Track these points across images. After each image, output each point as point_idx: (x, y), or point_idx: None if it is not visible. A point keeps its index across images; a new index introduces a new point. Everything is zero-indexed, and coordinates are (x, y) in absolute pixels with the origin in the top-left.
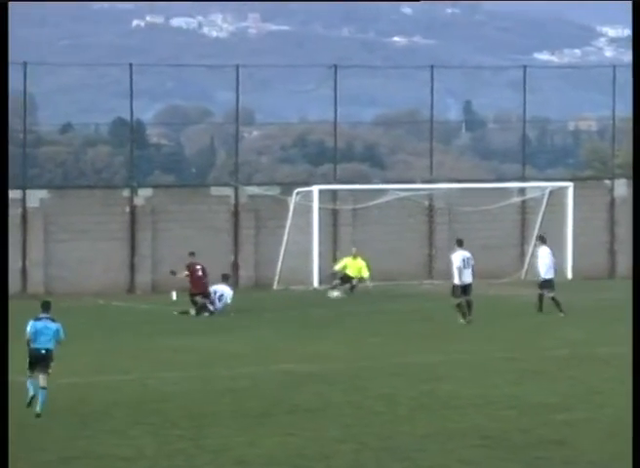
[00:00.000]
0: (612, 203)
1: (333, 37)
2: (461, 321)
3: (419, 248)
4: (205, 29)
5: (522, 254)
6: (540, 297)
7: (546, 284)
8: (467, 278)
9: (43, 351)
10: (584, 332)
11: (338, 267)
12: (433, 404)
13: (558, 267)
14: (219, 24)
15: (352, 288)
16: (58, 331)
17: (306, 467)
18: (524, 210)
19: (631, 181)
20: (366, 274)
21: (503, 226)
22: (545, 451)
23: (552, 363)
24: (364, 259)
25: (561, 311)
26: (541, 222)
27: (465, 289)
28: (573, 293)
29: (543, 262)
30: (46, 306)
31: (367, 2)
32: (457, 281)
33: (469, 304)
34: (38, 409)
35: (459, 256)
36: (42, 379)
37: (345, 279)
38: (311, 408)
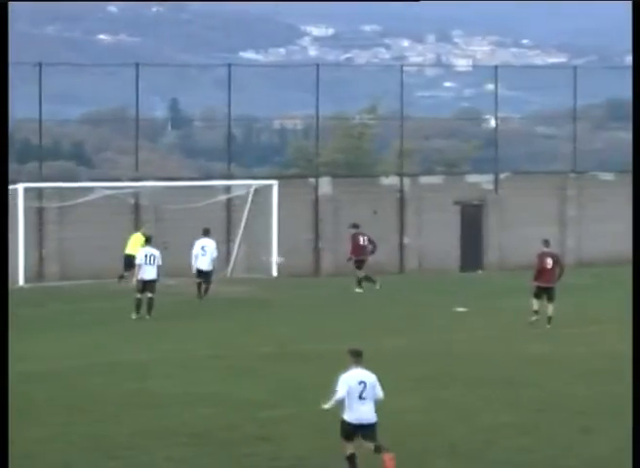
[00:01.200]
0: (316, 201)
1: (38, 35)
2: (134, 316)
3: (124, 246)
4: None
5: (227, 252)
6: (199, 285)
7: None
8: (149, 274)
9: None
10: (290, 330)
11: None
12: (141, 402)
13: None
14: None
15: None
16: None
17: (13, 466)
18: (229, 208)
19: (334, 180)
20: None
21: (210, 224)
22: (253, 448)
23: (258, 360)
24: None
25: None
26: (247, 220)
27: (146, 285)
28: (278, 291)
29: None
30: None
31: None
32: (138, 276)
33: (150, 301)
34: None
35: (142, 253)
36: None
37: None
38: (16, 407)
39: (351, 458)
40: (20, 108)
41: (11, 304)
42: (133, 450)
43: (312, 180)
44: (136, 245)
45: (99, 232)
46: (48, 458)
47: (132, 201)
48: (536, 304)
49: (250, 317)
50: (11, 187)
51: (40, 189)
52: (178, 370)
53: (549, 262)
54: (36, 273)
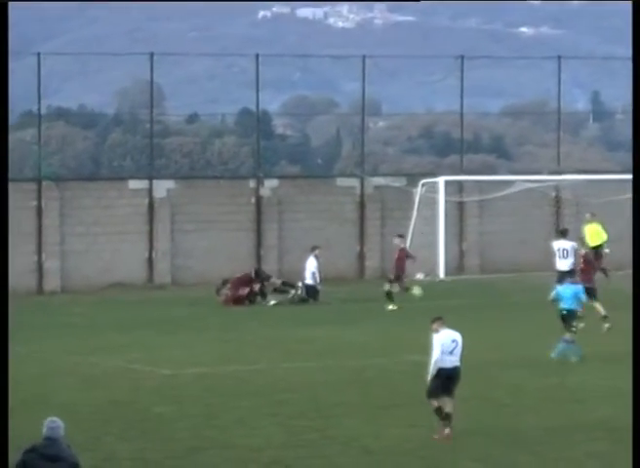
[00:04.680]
0: None
1: (459, 28)
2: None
3: (546, 239)
4: (331, 20)
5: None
6: None
7: None
8: (561, 266)
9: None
10: None
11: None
12: (560, 395)
13: None
14: (344, 15)
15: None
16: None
17: (432, 458)
18: None
19: None
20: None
21: (630, 218)
22: None
23: None
24: (599, 223)
25: None
26: None
27: (561, 276)
28: None
29: None
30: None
31: None
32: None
33: None
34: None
35: (555, 246)
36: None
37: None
38: None
39: (440, 410)
40: (441, 101)
41: (431, 297)
42: (550, 444)
43: None
44: (594, 235)
45: (519, 225)
46: (467, 450)
47: (553, 194)
48: None
49: None
50: (431, 180)
51: (461, 182)
52: (599, 364)
53: None
54: (457, 266)
